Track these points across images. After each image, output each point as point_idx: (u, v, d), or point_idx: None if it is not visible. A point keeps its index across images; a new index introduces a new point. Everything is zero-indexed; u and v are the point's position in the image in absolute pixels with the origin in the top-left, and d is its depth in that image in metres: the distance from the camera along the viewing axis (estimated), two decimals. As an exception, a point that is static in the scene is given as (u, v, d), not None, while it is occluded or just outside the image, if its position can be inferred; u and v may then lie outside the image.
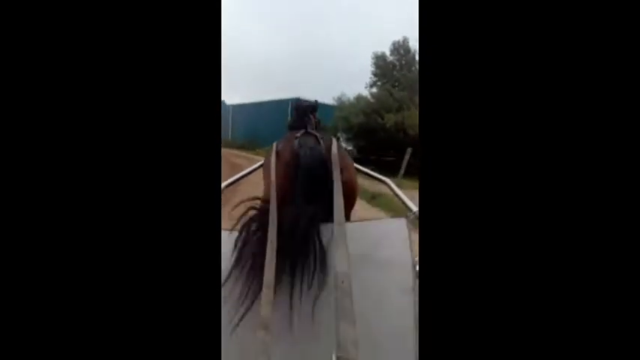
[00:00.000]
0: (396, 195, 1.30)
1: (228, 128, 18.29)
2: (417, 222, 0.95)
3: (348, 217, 0.94)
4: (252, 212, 0.72)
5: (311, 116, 1.40)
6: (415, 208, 1.04)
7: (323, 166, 0.84)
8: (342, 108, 10.92)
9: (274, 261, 0.54)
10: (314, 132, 1.11)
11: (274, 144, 1.05)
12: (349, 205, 0.96)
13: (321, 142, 0.99)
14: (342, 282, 0.46)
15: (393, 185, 1.44)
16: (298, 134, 1.04)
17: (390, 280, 0.60)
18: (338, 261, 0.50)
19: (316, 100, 1.63)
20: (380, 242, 0.66)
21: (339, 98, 11.51)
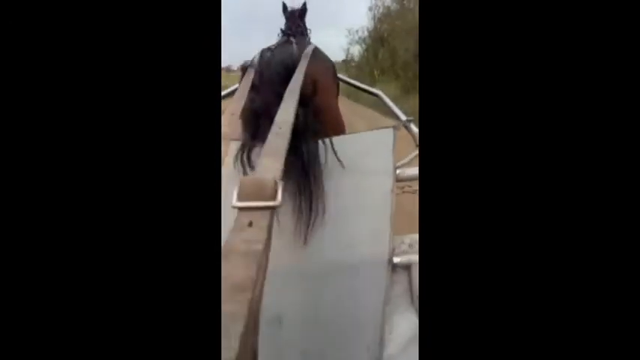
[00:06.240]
0: (388, 106, 1.31)
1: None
2: (405, 129, 0.94)
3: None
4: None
5: (300, 22, 1.30)
6: (404, 117, 1.04)
7: (284, 68, 0.70)
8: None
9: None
10: (293, 39, 0.98)
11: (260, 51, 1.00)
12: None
13: (295, 45, 0.86)
14: (280, 128, 0.45)
15: (384, 96, 1.42)
16: (275, 44, 0.93)
17: (373, 185, 0.64)
18: (281, 110, 0.49)
19: (305, 3, 1.45)
20: (366, 152, 0.69)
21: None
